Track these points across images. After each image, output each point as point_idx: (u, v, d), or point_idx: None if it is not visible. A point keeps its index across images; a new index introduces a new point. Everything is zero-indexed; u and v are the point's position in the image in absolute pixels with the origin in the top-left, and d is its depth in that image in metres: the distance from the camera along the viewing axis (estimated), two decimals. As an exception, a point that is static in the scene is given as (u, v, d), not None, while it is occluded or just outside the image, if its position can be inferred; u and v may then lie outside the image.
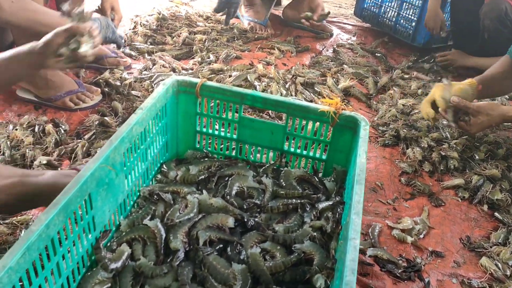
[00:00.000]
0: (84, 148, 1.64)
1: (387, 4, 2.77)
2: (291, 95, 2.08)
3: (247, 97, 1.28)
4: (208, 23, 2.65)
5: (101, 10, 2.01)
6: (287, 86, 2.13)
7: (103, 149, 1.00)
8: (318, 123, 1.28)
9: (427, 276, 1.31)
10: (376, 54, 2.63)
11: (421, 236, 1.45)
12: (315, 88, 2.15)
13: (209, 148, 1.41)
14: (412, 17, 2.63)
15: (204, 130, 1.39)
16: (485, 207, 1.57)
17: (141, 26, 2.52)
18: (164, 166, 1.32)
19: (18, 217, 1.34)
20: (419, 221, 1.49)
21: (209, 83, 1.29)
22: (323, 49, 2.64)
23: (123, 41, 1.92)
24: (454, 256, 1.39)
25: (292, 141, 1.35)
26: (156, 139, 1.26)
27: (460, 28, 2.43)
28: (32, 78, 1.82)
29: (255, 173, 1.30)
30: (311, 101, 2.04)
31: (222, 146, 1.42)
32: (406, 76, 2.37)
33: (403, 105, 2.06)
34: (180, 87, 1.31)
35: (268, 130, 1.32)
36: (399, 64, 2.56)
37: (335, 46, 2.68)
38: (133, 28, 2.56)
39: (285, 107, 1.27)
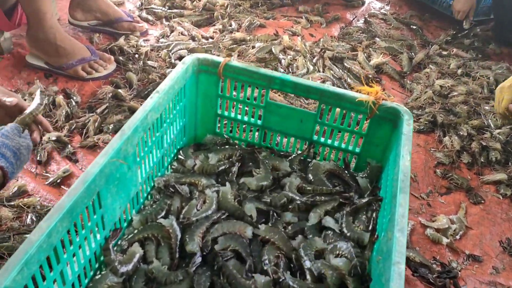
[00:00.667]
0: (96, 124, 1.54)
1: (426, -30, 2.53)
2: (319, 70, 1.92)
3: (275, 80, 1.14)
4: (231, -14, 2.46)
5: None
6: (314, 60, 1.97)
7: (114, 141, 0.88)
8: (353, 113, 1.13)
9: (464, 284, 1.20)
10: (412, 26, 2.41)
11: (457, 237, 1.33)
12: (345, 64, 1.98)
13: (230, 133, 1.29)
14: (454, -14, 2.39)
15: (226, 113, 1.26)
16: (529, 207, 1.43)
17: (159, -13, 2.35)
18: (181, 152, 1.20)
19: (25, 199, 1.25)
20: (455, 219, 1.37)
21: (234, 62, 1.15)
22: (353, 19, 2.44)
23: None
24: (493, 261, 1.28)
25: (323, 131, 1.21)
26: (173, 124, 1.14)
27: (504, 17, 2.20)
28: (42, 44, 1.69)
29: (279, 165, 1.18)
30: (340, 78, 1.88)
31: (245, 131, 1.29)
32: (445, 52, 2.18)
33: (440, 86, 1.89)
34: (201, 66, 1.17)
35: (297, 118, 1.19)
36: (436, 38, 2.35)
37: (366, 16, 2.47)
38: (151, -11, 2.38)
39: (318, 93, 1.13)
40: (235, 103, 1.24)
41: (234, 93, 1.22)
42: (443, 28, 2.46)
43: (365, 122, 1.15)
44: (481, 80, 1.91)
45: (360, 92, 1.12)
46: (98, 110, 1.60)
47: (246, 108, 1.23)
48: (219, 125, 1.29)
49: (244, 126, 1.28)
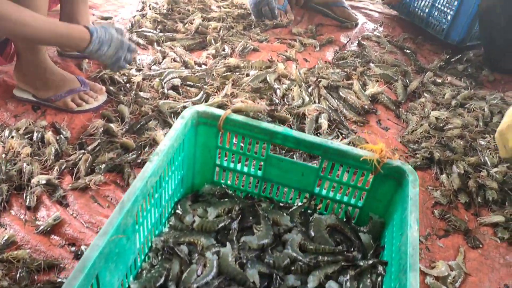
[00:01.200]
0: (87, 163, 1.48)
1: (420, -7, 2.52)
2: (314, 101, 1.89)
3: (277, 135, 1.11)
4: (224, 8, 2.41)
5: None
6: (309, 90, 1.94)
7: (113, 216, 0.84)
8: (357, 169, 1.11)
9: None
10: (406, 50, 2.41)
11: (457, 284, 1.32)
12: (340, 93, 1.96)
13: (229, 182, 1.25)
14: (448, 11, 2.39)
15: (225, 164, 1.22)
16: (526, 251, 1.43)
17: (150, 8, 2.29)
18: (179, 207, 1.16)
19: (14, 252, 1.20)
20: (454, 266, 1.36)
21: (234, 116, 1.12)
22: (347, 42, 2.42)
23: (117, 68, 1.67)
24: (492, 311, 1.27)
25: (325, 184, 1.19)
26: (171, 179, 1.10)
27: (493, 45, 2.21)
28: (31, 78, 1.63)
29: (279, 220, 1.15)
30: (336, 110, 1.86)
31: (244, 181, 1.25)
32: (439, 80, 2.17)
33: (436, 118, 1.88)
34: (200, 118, 1.13)
35: (298, 171, 1.16)
36: (430, 63, 2.35)
37: (360, 39, 2.46)
38: (141, 10, 2.33)
39: (321, 149, 1.10)
40: (234, 154, 1.20)
41: (235, 140, 1.18)
42: (436, 52, 2.46)
43: (368, 177, 1.12)
44: (476, 113, 1.91)
45: (364, 149, 1.09)
46: (89, 148, 1.55)
47: (246, 160, 1.20)
48: (217, 175, 1.25)
49: (243, 176, 1.24)
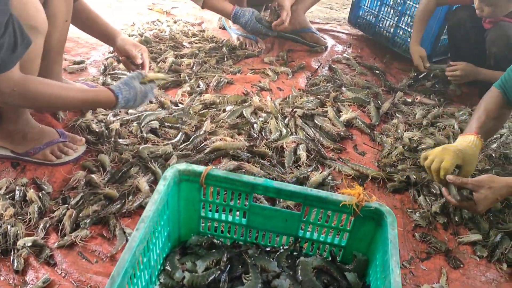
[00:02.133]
0: (72, 218, 1.49)
1: (384, 14, 2.60)
2: (291, 132, 1.94)
3: (258, 187, 1.14)
4: (195, 43, 2.45)
5: (125, 62, 1.82)
6: (286, 121, 1.99)
7: (105, 293, 0.86)
8: (337, 213, 1.15)
9: None
10: (375, 71, 2.48)
11: (442, 307, 1.37)
12: (316, 121, 2.01)
13: (215, 232, 1.28)
14: (411, 30, 2.47)
15: (210, 215, 1.25)
16: (505, 266, 1.50)
17: (122, 50, 2.31)
18: (167, 262, 1.18)
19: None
20: (438, 288, 1.41)
21: (216, 171, 1.15)
22: (318, 67, 2.48)
23: (153, 94, 1.73)
24: (477, 331, 1.33)
25: (309, 227, 1.23)
26: (158, 239, 1.12)
27: (460, 56, 2.31)
28: (10, 134, 1.63)
29: (267, 266, 1.18)
30: (313, 140, 1.90)
31: (230, 228, 1.28)
32: (409, 99, 2.25)
33: (409, 139, 1.95)
34: (182, 175, 1.16)
35: (282, 218, 1.20)
36: (399, 82, 2.43)
37: (330, 62, 2.53)
38: (113, 52, 2.34)
39: (302, 197, 1.14)
40: (218, 206, 1.23)
41: (219, 196, 1.21)
42: (404, 70, 2.55)
43: (349, 219, 1.17)
44: (447, 131, 1.98)
45: (343, 194, 1.13)
46: (73, 202, 1.55)
47: (230, 209, 1.23)
48: (203, 225, 1.28)
49: (229, 224, 1.27)
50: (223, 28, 2.75)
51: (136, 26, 2.55)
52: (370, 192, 1.73)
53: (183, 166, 1.15)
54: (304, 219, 1.19)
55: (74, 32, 2.51)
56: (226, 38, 2.61)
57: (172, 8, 2.93)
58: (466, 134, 1.60)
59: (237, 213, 1.24)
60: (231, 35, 2.65)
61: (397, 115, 2.14)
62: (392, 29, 2.58)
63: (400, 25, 2.53)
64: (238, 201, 1.21)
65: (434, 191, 1.71)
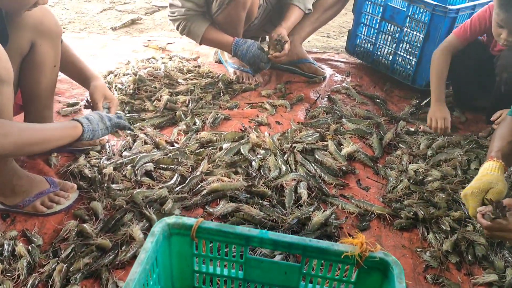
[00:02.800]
0: (62, 273, 1.41)
1: (381, 42, 2.56)
2: (291, 168, 1.86)
3: (253, 239, 1.07)
4: (191, 79, 2.41)
5: (91, 104, 1.76)
6: (285, 157, 1.92)
7: None
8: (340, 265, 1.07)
9: None
10: (376, 100, 2.42)
11: None
12: (316, 156, 1.94)
13: (210, 286, 1.20)
14: (411, 57, 2.43)
15: (204, 268, 1.17)
16: (523, 309, 1.39)
17: (116, 90, 2.27)
18: (160, 324, 1.10)
19: None
20: (455, 337, 1.31)
21: (207, 224, 1.08)
22: (317, 98, 2.42)
23: (125, 121, 1.69)
24: None
25: (310, 278, 1.14)
26: (148, 300, 1.04)
27: (464, 86, 2.25)
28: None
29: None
30: (314, 176, 1.83)
31: (227, 281, 1.20)
32: (412, 129, 2.18)
33: (414, 171, 1.87)
34: (171, 229, 1.09)
35: (280, 271, 1.11)
36: (401, 110, 2.37)
37: (329, 93, 2.47)
38: (108, 91, 2.30)
39: (301, 248, 1.06)
40: (212, 260, 1.15)
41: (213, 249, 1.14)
42: (405, 98, 2.49)
43: (353, 270, 1.08)
44: (454, 161, 1.90)
45: (344, 244, 1.05)
46: (63, 255, 1.48)
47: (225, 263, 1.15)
48: (198, 279, 1.19)
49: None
50: (219, 62, 2.72)
51: (130, 64, 2.52)
52: (377, 230, 1.64)
53: (172, 219, 1.08)
54: (305, 271, 1.11)
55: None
56: (222, 72, 2.57)
57: (168, 43, 2.91)
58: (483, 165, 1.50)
59: (233, 265, 1.16)
60: (228, 68, 2.62)
61: (401, 145, 2.06)
62: (390, 57, 2.53)
63: (399, 52, 2.48)
64: (233, 253, 1.13)
65: (444, 228, 1.61)
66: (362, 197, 1.78)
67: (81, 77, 1.84)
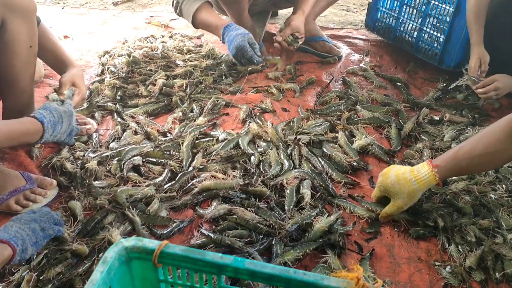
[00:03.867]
0: (31, 284, 1.27)
1: (405, 16, 2.27)
2: (295, 165, 1.66)
3: (226, 268, 0.88)
4: (190, 61, 2.19)
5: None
6: (289, 151, 1.71)
7: None
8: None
9: None
10: (397, 83, 2.16)
11: None
12: (324, 149, 1.72)
13: (183, 314, 1.02)
14: (439, 34, 2.14)
15: (174, 295, 0.99)
16: None
17: (109, 73, 2.09)
18: None
19: None
20: None
21: (172, 248, 0.89)
22: (330, 81, 2.18)
23: (73, 140, 1.55)
24: None
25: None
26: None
27: (498, 58, 1.95)
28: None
29: None
30: (320, 174, 1.61)
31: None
32: (436, 117, 1.92)
33: (437, 168, 1.63)
34: (130, 254, 0.91)
35: (261, 304, 0.92)
36: (425, 95, 2.10)
37: (344, 75, 2.22)
38: (101, 74, 2.13)
39: (283, 281, 0.87)
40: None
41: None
42: (431, 80, 2.21)
43: (349, 307, 0.88)
44: (483, 158, 1.64)
45: (337, 277, 0.85)
46: (35, 262, 1.34)
47: None
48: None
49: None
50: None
51: (127, 44, 2.33)
52: (389, 239, 1.43)
53: (131, 242, 0.90)
54: (291, 307, 0.91)
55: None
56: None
57: (171, 20, 2.70)
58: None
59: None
60: (233, 48, 2.38)
61: (422, 137, 1.82)
62: (415, 33, 2.24)
63: (425, 27, 2.19)
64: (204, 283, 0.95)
65: (469, 239, 1.39)
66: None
67: (59, 64, 1.67)
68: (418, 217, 1.47)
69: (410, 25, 2.27)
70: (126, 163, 1.63)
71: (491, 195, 1.51)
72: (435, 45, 2.17)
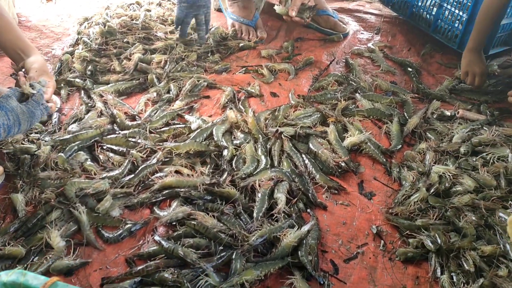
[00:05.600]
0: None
1: (424, -11, 1.96)
2: (273, 163, 1.43)
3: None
4: (173, 33, 1.95)
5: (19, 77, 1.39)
6: (269, 145, 1.49)
7: None
8: None
9: None
10: (408, 68, 1.88)
11: None
12: (310, 145, 1.49)
13: None
14: (461, 12, 1.83)
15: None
16: None
17: (81, 44, 1.88)
18: None
19: None
20: None
21: (61, 287, 0.70)
22: (330, 63, 1.90)
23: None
24: None
25: None
26: None
27: None
28: None
29: None
30: (301, 176, 1.39)
31: None
32: (448, 113, 1.65)
33: (439, 175, 1.38)
34: (12, 291, 0.73)
35: None
36: (438, 85, 1.81)
37: (348, 56, 1.94)
38: (74, 45, 1.92)
39: None
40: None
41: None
42: (448, 66, 1.92)
43: None
44: (497, 166, 1.38)
45: None
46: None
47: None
48: None
49: None
50: (219, 10, 2.24)
51: (107, 11, 2.10)
52: (372, 260, 1.21)
53: (11, 276, 0.72)
54: None
55: (40, 19, 2.14)
56: (217, 24, 2.10)
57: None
58: None
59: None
60: (227, 19, 2.13)
61: (428, 135, 1.56)
62: (434, 10, 1.93)
63: (446, 4, 1.88)
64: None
65: (467, 267, 1.15)
66: (362, 207, 1.34)
67: (14, 47, 1.44)
68: (410, 235, 1.24)
69: (430, 1, 1.95)
70: (72, 156, 1.44)
71: (501, 214, 1.25)
72: (456, 25, 1.86)
